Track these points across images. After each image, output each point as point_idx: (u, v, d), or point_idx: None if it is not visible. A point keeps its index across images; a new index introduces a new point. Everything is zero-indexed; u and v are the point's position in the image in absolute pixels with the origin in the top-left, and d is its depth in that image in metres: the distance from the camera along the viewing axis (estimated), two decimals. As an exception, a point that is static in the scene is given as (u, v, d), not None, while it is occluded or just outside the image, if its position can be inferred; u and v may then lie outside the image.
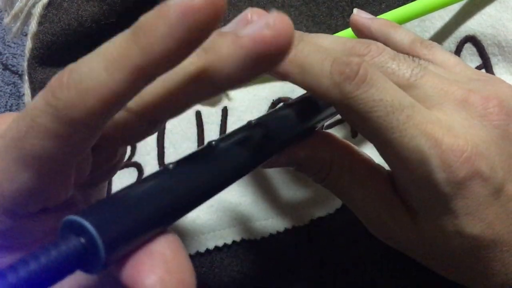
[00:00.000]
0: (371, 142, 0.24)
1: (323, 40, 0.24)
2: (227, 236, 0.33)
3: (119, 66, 0.16)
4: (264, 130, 0.22)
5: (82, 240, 0.16)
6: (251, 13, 0.21)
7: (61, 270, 0.15)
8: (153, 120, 0.19)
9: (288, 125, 0.23)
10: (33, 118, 0.17)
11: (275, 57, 0.17)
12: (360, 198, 0.25)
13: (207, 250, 0.32)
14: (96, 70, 0.17)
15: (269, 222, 0.33)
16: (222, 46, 0.18)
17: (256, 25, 0.17)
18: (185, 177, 0.18)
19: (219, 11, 0.16)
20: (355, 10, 0.29)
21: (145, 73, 0.16)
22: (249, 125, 0.22)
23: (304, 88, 0.23)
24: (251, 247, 0.33)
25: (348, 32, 0.32)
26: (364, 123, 0.22)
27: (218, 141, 0.20)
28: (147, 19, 0.17)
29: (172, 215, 0.18)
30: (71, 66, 0.17)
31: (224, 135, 0.21)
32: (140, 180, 0.18)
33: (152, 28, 0.16)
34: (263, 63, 0.17)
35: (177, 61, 0.17)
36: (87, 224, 0.16)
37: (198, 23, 0.16)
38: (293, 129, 0.24)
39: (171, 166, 0.19)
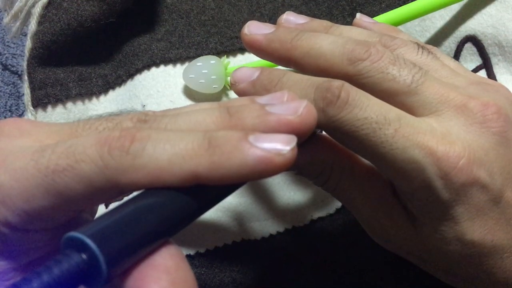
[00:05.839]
0: (365, 158, 0.24)
1: (322, 40, 0.24)
2: (227, 236, 0.32)
3: (182, 164, 0.18)
4: None
5: (84, 256, 0.16)
6: (287, 96, 0.22)
7: (64, 287, 0.16)
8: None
9: None
10: (78, 161, 0.18)
11: (297, 137, 0.19)
12: (360, 202, 0.25)
13: (207, 250, 0.32)
14: (160, 155, 0.18)
15: (269, 222, 0.33)
16: (248, 116, 0.20)
17: (285, 108, 0.20)
18: (184, 191, 0.18)
19: (284, 170, 0.18)
20: (358, 15, 0.29)
21: (197, 180, 0.18)
22: None
23: None
24: (251, 247, 0.33)
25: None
26: (353, 142, 0.22)
27: None
28: (227, 140, 0.18)
29: (171, 228, 0.18)
30: (139, 136, 0.18)
31: None
32: (139, 194, 0.18)
33: (228, 153, 0.18)
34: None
35: (224, 184, 0.18)
36: (88, 240, 0.16)
37: (265, 173, 0.18)
38: None
39: None
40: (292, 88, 0.23)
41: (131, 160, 0.18)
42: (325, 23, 0.27)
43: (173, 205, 0.18)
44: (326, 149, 0.25)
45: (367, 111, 0.22)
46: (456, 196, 0.22)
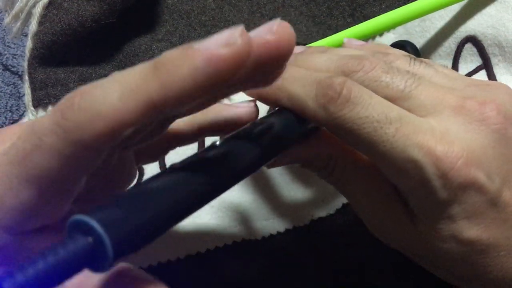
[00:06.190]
0: (365, 155, 0.24)
1: (317, 59, 0.25)
2: (228, 236, 0.33)
3: (134, 97, 0.17)
4: (268, 129, 0.22)
5: (90, 239, 0.16)
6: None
7: (69, 270, 0.15)
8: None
9: (292, 124, 0.23)
10: (39, 137, 0.17)
11: (276, 61, 0.18)
12: (361, 196, 0.25)
13: (208, 251, 0.32)
14: (110, 96, 0.17)
15: (270, 222, 0.33)
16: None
17: (260, 30, 0.18)
18: (191, 177, 0.18)
19: (243, 63, 0.17)
20: (345, 39, 0.29)
21: (158, 108, 0.17)
22: (254, 125, 0.22)
23: (295, 112, 0.23)
24: (251, 248, 0.33)
25: (348, 32, 0.32)
26: (354, 140, 0.22)
27: (222, 141, 0.20)
28: (172, 56, 0.17)
29: (178, 215, 0.18)
30: (84, 89, 0.17)
31: (229, 135, 0.21)
32: (146, 180, 0.18)
33: (175, 66, 0.17)
34: (263, 64, 0.18)
35: (190, 103, 0.17)
36: (94, 223, 0.16)
37: (221, 72, 0.17)
38: (298, 128, 0.24)
39: (178, 165, 0.19)
40: (294, 84, 0.23)
41: (84, 114, 0.17)
42: (320, 47, 0.28)
43: (180, 192, 0.18)
44: (330, 143, 0.25)
45: (368, 109, 0.22)
46: (453, 196, 0.22)
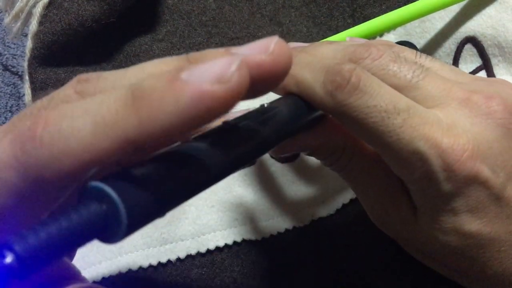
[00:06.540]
0: (370, 145, 0.24)
1: (325, 48, 0.25)
2: (228, 236, 0.33)
3: (109, 133, 0.14)
4: (276, 113, 0.22)
5: (104, 207, 0.15)
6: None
7: (81, 236, 0.14)
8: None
9: (300, 110, 0.23)
10: None
11: (269, 82, 0.17)
12: (365, 185, 0.25)
13: (208, 251, 0.33)
14: (79, 130, 0.15)
15: (270, 222, 0.33)
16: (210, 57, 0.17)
17: (252, 47, 0.17)
18: (201, 154, 0.17)
19: (235, 101, 0.15)
20: (348, 38, 0.29)
21: (136, 146, 0.15)
22: (261, 108, 0.22)
23: (303, 99, 0.23)
24: (252, 248, 0.33)
25: (349, 33, 0.32)
26: (361, 129, 0.22)
27: (233, 120, 0.20)
28: (154, 87, 0.15)
29: (194, 188, 0.17)
30: (49, 116, 0.15)
31: (239, 116, 0.21)
32: (161, 153, 0.17)
33: (158, 100, 0.14)
34: (258, 84, 0.17)
35: (173, 139, 0.15)
36: (110, 191, 0.15)
37: (211, 110, 0.14)
38: (305, 115, 0.23)
39: (191, 140, 0.18)
40: (302, 70, 0.23)
41: (48, 150, 0.15)
42: (327, 41, 0.28)
43: (195, 166, 0.17)
44: (338, 131, 0.25)
45: (377, 98, 0.21)
46: (457, 189, 0.22)
